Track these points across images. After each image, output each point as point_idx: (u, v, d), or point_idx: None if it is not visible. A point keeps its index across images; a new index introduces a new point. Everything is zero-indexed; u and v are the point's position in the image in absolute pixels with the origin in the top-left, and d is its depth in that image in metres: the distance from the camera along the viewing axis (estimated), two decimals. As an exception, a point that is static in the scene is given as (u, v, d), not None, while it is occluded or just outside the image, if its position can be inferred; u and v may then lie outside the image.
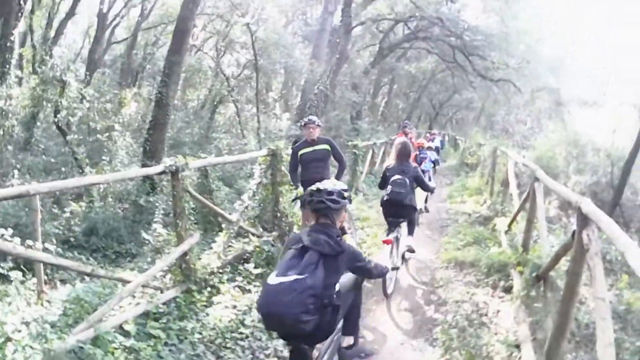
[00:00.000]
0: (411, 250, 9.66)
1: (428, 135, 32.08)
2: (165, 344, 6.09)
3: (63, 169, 16.66)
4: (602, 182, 25.89)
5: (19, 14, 18.17)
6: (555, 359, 5.36)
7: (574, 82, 48.25)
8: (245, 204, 9.85)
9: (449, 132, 56.34)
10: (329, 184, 4.89)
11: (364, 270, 4.87)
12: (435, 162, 17.57)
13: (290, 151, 10.32)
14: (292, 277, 4.19)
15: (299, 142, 10.14)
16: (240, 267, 8.89)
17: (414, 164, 9.95)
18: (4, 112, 16.10)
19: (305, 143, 9.73)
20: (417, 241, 10.32)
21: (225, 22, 30.61)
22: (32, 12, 25.82)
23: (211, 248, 8.80)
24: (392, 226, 9.06)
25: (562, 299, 5.41)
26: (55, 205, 13.48)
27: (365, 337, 7.05)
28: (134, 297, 6.78)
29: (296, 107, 30.84)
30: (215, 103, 30.10)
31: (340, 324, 5.09)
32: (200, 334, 6.57)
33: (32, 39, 26.72)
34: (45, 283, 6.29)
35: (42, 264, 5.96)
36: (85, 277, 7.40)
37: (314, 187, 4.81)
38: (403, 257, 9.67)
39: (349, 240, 7.05)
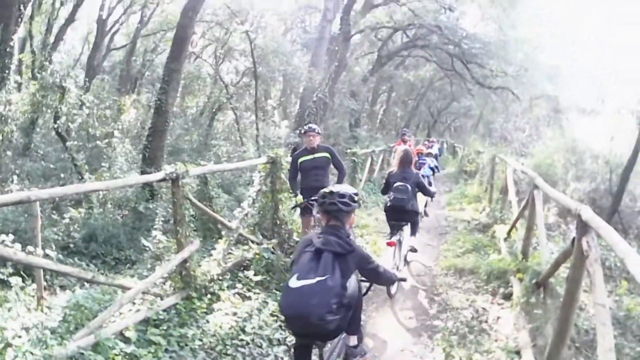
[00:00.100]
0: (414, 250, 10.15)
1: (426, 142, 32.12)
2: (166, 350, 6.09)
3: (62, 175, 16.68)
4: (601, 189, 25.94)
5: (19, 20, 18.18)
6: (556, 365, 5.37)
7: (574, 83, 48.20)
8: (245, 211, 9.83)
9: (448, 140, 56.36)
10: (341, 187, 5.00)
11: (373, 273, 4.97)
12: (434, 169, 17.57)
13: (289, 159, 10.33)
14: (314, 279, 4.34)
15: (299, 149, 10.14)
16: (240, 275, 8.88)
17: (416, 171, 10.27)
18: (3, 118, 16.08)
19: (305, 151, 9.72)
20: (412, 257, 10.89)
21: (225, 29, 30.63)
22: (31, 17, 25.82)
23: (211, 255, 8.76)
24: (395, 229, 9.45)
25: (562, 306, 5.42)
26: (54, 212, 13.49)
27: (366, 344, 7.03)
28: (134, 303, 6.76)
29: (295, 114, 30.80)
30: (214, 110, 30.12)
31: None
32: (201, 340, 6.56)
33: (31, 45, 26.75)
34: (45, 289, 6.27)
35: (42, 270, 5.95)
36: (85, 284, 7.40)
37: (326, 190, 4.93)
38: (405, 260, 10.08)
39: None
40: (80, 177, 15.54)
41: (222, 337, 6.74)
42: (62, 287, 8.81)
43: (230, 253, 9.22)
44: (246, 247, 9.68)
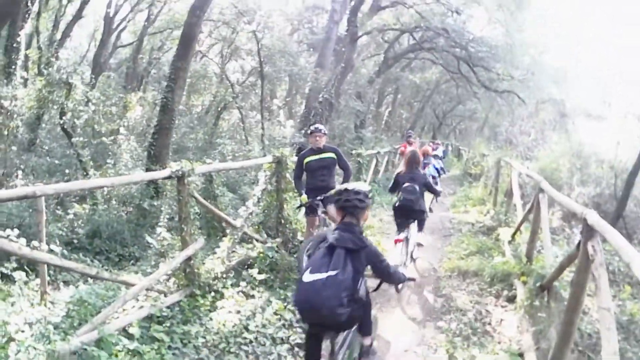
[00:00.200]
0: (420, 244, 10.76)
1: (431, 144, 32.09)
2: (169, 347, 6.08)
3: (67, 171, 16.72)
4: (606, 194, 25.83)
5: (26, 16, 18.25)
6: (559, 368, 5.36)
7: (579, 85, 48.03)
8: (250, 210, 9.83)
9: (453, 142, 56.27)
10: (356, 185, 5.22)
11: (385, 271, 5.07)
12: (439, 170, 17.55)
13: (295, 158, 10.31)
14: (326, 274, 4.56)
15: (305, 150, 10.10)
16: (244, 273, 8.87)
17: (423, 171, 10.83)
18: (9, 113, 16.14)
19: (311, 151, 9.68)
20: (420, 250, 11.02)
21: (231, 28, 30.65)
22: (38, 14, 25.87)
23: (215, 253, 8.77)
24: (402, 226, 9.78)
25: (566, 309, 5.41)
26: (59, 207, 13.51)
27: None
28: (137, 300, 6.77)
29: (300, 114, 30.78)
30: (219, 109, 30.16)
31: None
32: (204, 338, 6.56)
33: (38, 41, 26.80)
34: (49, 284, 6.29)
35: (45, 265, 5.95)
36: (89, 279, 7.39)
37: (342, 187, 5.26)
38: (412, 257, 10.20)
39: None
40: (85, 173, 15.57)
41: (225, 335, 6.74)
42: (66, 283, 8.82)
43: (234, 251, 9.22)
44: (250, 245, 9.69)
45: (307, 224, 9.93)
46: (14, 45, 18.21)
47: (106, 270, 7.24)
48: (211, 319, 7.10)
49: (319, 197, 9.27)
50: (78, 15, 29.12)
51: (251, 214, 9.90)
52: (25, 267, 6.69)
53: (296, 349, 6.77)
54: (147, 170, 14.74)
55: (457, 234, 14.64)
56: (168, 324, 6.55)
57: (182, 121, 26.76)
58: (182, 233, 7.63)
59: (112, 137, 19.27)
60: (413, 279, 5.87)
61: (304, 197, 9.36)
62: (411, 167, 10.01)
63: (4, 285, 6.49)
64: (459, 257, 11.61)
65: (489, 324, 7.94)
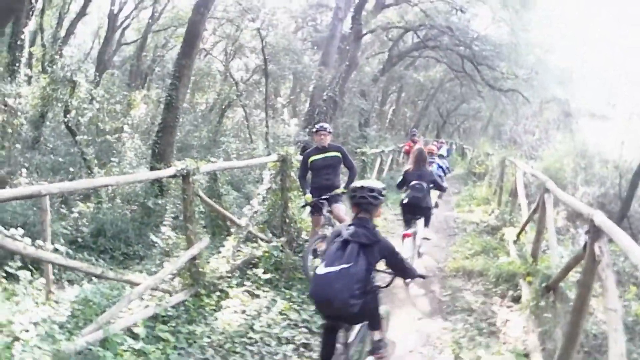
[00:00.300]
0: (427, 238, 11.17)
1: (435, 143, 32.04)
2: (174, 347, 6.07)
3: (71, 169, 16.69)
4: (610, 194, 25.83)
5: (30, 13, 18.25)
6: (565, 369, 5.33)
7: (584, 86, 47.96)
8: (255, 208, 9.82)
9: (457, 141, 56.14)
10: (370, 182, 5.43)
11: (399, 265, 5.27)
12: (444, 169, 17.50)
13: (299, 157, 10.29)
14: (339, 267, 4.72)
15: (310, 148, 10.07)
16: (249, 272, 8.86)
17: (430, 169, 11.25)
18: (13, 111, 16.13)
19: (316, 150, 9.64)
20: (425, 250, 11.26)
21: (236, 26, 30.61)
22: (42, 11, 25.86)
23: (220, 252, 8.76)
24: (410, 222, 10.30)
25: (572, 310, 5.38)
26: (63, 205, 13.50)
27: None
28: (142, 299, 6.77)
29: (304, 113, 30.76)
30: (223, 107, 30.09)
31: None
32: (209, 338, 6.54)
33: (42, 38, 26.76)
34: (53, 283, 6.26)
35: (50, 264, 5.93)
36: (93, 278, 7.38)
37: (357, 184, 5.35)
38: (419, 252, 10.57)
39: None
40: (89, 172, 15.56)
41: (230, 335, 6.73)
42: (70, 282, 8.79)
43: (239, 250, 9.23)
44: (255, 244, 9.68)
45: (313, 223, 9.92)
46: (18, 42, 18.21)
47: (111, 269, 7.22)
48: (216, 318, 7.10)
49: (323, 196, 9.25)
50: (82, 13, 29.12)
51: (256, 212, 9.92)
52: (30, 266, 6.67)
53: (302, 349, 6.76)
54: (152, 168, 14.71)
55: (461, 233, 14.60)
56: (173, 324, 6.55)
57: (187, 119, 26.73)
58: (187, 232, 7.62)
59: (117, 135, 19.24)
60: (423, 276, 5.87)
61: (308, 196, 9.35)
62: (419, 165, 10.38)
63: (9, 285, 6.46)
64: (463, 256, 11.59)
65: (495, 324, 7.91)
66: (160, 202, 13.58)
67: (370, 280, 4.92)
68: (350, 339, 5.29)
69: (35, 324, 5.25)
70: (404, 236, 9.83)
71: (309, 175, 9.74)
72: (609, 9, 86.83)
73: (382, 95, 44.35)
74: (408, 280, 8.83)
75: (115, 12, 31.31)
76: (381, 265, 5.15)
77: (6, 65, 18.15)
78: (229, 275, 8.37)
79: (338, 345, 5.23)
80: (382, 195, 5.33)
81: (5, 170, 15.15)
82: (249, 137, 26.87)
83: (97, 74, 24.54)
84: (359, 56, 28.52)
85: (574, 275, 6.66)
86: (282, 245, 9.82)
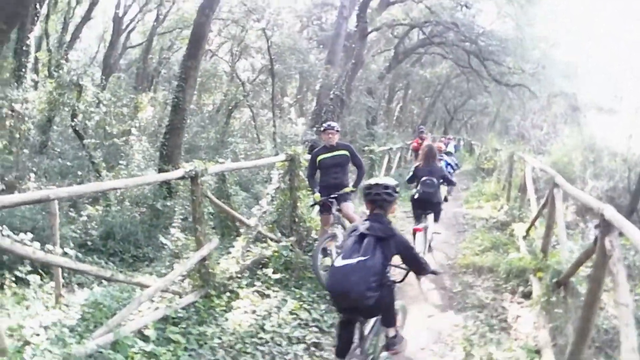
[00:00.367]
0: (437, 232, 11.32)
1: (443, 139, 31.96)
2: (185, 349, 6.05)
3: (79, 173, 16.76)
4: (619, 188, 25.76)
5: (35, 18, 18.30)
6: (577, 364, 5.30)
7: (590, 80, 47.86)
8: (264, 208, 9.81)
9: (464, 137, 56.02)
10: (385, 180, 5.51)
11: (414, 260, 5.31)
12: (453, 167, 17.46)
13: (308, 156, 10.27)
14: (356, 259, 4.83)
15: (318, 147, 10.04)
16: (259, 272, 8.85)
17: (440, 164, 11.53)
18: (20, 116, 16.18)
19: (324, 148, 9.62)
20: (434, 245, 11.30)
21: (241, 27, 30.63)
22: (47, 16, 25.91)
23: (229, 253, 8.76)
24: (420, 217, 10.50)
25: (584, 305, 5.34)
26: (72, 209, 13.53)
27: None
28: (152, 301, 6.75)
29: (311, 112, 30.71)
30: (230, 108, 30.16)
31: None
32: (220, 339, 6.52)
33: (47, 43, 26.83)
34: (63, 287, 6.27)
35: (60, 268, 5.93)
36: (103, 281, 7.38)
37: (372, 182, 5.44)
38: (429, 246, 10.71)
39: None
40: (97, 175, 15.59)
41: (241, 336, 6.71)
42: (80, 285, 8.81)
43: (248, 251, 9.22)
44: (265, 244, 9.66)
45: (322, 222, 9.88)
46: (24, 48, 18.28)
47: (120, 272, 7.22)
48: (227, 319, 7.08)
49: (332, 195, 9.22)
50: (87, 17, 29.18)
51: (265, 212, 9.89)
52: (40, 270, 6.68)
53: (312, 348, 6.75)
54: (160, 170, 14.75)
55: (471, 229, 14.52)
56: (184, 325, 6.53)
57: (194, 120, 26.79)
58: (196, 233, 7.59)
59: (124, 138, 19.31)
60: (435, 273, 5.86)
61: (317, 195, 9.31)
62: (428, 161, 10.58)
63: (19, 289, 6.48)
64: (473, 253, 11.53)
65: (505, 320, 7.86)
66: (169, 203, 13.60)
67: (385, 273, 4.99)
68: (366, 333, 5.34)
69: (46, 327, 5.26)
70: (415, 231, 10.00)
71: (318, 174, 9.71)
72: (614, 3, 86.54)
73: (388, 92, 44.29)
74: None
75: (120, 15, 31.35)
76: (396, 260, 5.19)
77: (12, 70, 18.22)
78: (239, 275, 8.36)
79: (355, 339, 5.29)
80: (396, 192, 5.41)
81: (14, 175, 15.21)
82: (257, 137, 26.93)
83: (104, 77, 24.62)
84: (364, 54, 28.54)
85: (585, 270, 6.62)
86: (291, 245, 9.78)
